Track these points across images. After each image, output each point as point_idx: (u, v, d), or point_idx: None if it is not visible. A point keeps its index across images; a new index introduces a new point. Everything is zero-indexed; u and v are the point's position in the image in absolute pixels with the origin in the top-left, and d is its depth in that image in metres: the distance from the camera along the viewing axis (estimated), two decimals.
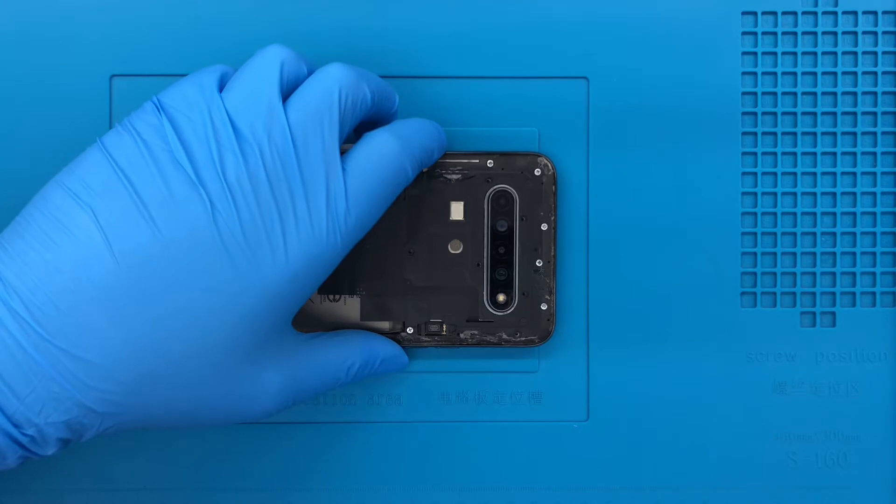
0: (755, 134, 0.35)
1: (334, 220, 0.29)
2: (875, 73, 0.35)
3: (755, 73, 0.35)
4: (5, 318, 0.26)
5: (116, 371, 0.27)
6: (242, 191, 0.27)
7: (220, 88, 0.29)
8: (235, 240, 0.27)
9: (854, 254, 0.36)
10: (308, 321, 0.34)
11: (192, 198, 0.27)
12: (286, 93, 0.29)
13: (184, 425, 0.29)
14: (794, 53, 0.36)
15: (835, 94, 0.36)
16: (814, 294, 0.36)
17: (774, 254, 0.36)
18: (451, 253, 0.34)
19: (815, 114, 0.36)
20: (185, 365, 0.27)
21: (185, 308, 0.27)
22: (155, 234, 0.27)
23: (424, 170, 0.34)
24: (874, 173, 0.36)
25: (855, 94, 0.36)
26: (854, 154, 0.36)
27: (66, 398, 0.26)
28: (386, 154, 0.30)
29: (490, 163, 0.34)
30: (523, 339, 0.35)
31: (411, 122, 0.32)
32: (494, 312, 0.34)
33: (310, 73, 0.30)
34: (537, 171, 0.34)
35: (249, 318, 0.28)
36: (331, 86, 0.29)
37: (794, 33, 0.36)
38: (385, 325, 0.34)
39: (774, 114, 0.35)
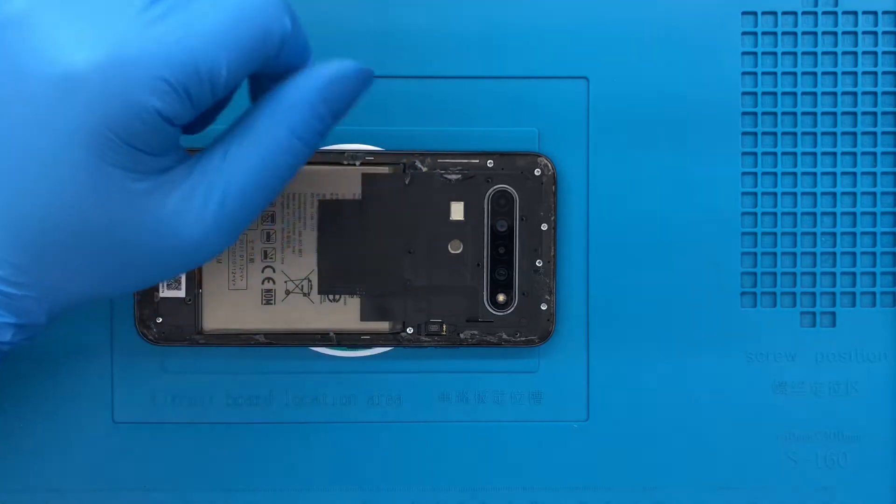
0: (755, 134, 0.35)
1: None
2: (875, 73, 0.35)
3: (755, 73, 0.35)
4: None
5: (12, 236, 0.25)
6: None
7: None
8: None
9: (854, 254, 0.36)
10: (308, 321, 0.34)
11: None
12: None
13: (113, 279, 0.26)
14: (794, 53, 0.36)
15: (835, 94, 0.36)
16: (814, 294, 0.36)
17: (774, 254, 0.36)
18: (451, 253, 0.34)
19: (815, 114, 0.36)
20: (53, 199, 0.24)
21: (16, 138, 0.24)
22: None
23: (424, 169, 0.34)
24: (874, 173, 0.36)
25: (855, 94, 0.36)
26: (854, 154, 0.36)
27: None
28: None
29: (490, 163, 0.34)
30: (523, 339, 0.35)
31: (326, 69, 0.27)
32: (494, 312, 0.34)
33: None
34: (537, 171, 0.34)
35: (97, 98, 0.24)
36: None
37: (794, 33, 0.36)
38: (385, 325, 0.34)
39: (774, 114, 0.35)
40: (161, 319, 0.34)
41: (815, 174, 0.36)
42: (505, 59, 0.35)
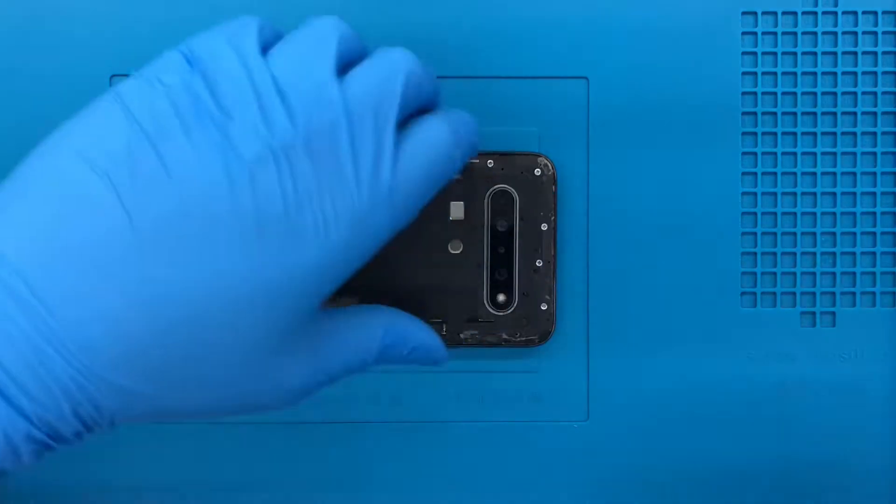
0: (755, 134, 0.35)
1: (380, 206, 0.26)
2: (875, 73, 0.35)
3: (755, 73, 0.35)
4: (8, 305, 0.23)
5: (133, 362, 0.24)
6: (289, 164, 0.25)
7: (262, 44, 0.26)
8: (273, 215, 0.25)
9: (854, 254, 0.36)
10: None
11: (228, 170, 0.24)
12: (341, 69, 0.27)
13: (203, 416, 0.27)
14: (794, 53, 0.36)
15: (835, 94, 0.36)
16: (814, 294, 0.36)
17: (774, 254, 0.36)
18: (451, 253, 0.34)
19: (815, 114, 0.36)
20: (208, 355, 0.25)
21: (212, 292, 0.24)
22: (182, 210, 0.24)
23: None
24: (874, 173, 0.36)
25: (855, 94, 0.36)
26: (854, 154, 0.36)
27: (77, 391, 0.24)
28: (439, 143, 0.28)
29: (490, 163, 0.34)
30: (523, 339, 0.35)
31: (461, 115, 0.30)
32: (494, 312, 0.34)
33: (363, 53, 0.28)
34: (537, 171, 0.34)
35: (283, 303, 0.25)
36: (396, 71, 0.27)
37: (794, 33, 0.36)
38: None
39: (774, 114, 0.35)
40: None
41: (815, 174, 0.36)
42: (505, 59, 0.35)
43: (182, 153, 0.24)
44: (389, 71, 0.27)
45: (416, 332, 0.30)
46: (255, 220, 0.24)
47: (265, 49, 0.26)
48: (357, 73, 0.27)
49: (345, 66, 0.27)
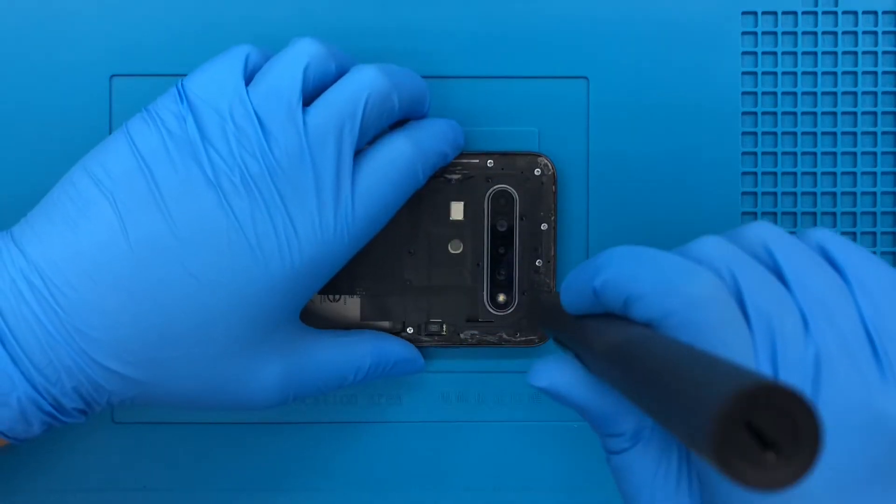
0: (755, 134, 0.35)
1: (342, 223, 0.29)
2: (875, 73, 0.35)
3: (755, 73, 0.35)
4: (27, 294, 0.27)
5: (123, 351, 0.28)
6: (258, 189, 0.28)
7: (247, 74, 0.30)
8: (245, 237, 0.28)
9: None
10: (311, 321, 0.34)
11: (208, 194, 0.28)
12: (311, 91, 0.30)
13: (186, 407, 0.30)
14: (794, 53, 0.36)
15: (835, 94, 0.36)
16: None
17: None
18: (451, 253, 0.34)
19: (815, 114, 0.36)
20: (186, 351, 0.28)
21: (190, 298, 0.28)
22: (169, 226, 0.28)
23: None
24: (874, 173, 0.36)
25: (855, 94, 0.36)
26: (854, 154, 0.36)
27: (78, 372, 0.28)
28: (398, 159, 0.31)
29: (490, 163, 0.34)
30: (523, 339, 0.35)
31: (429, 126, 0.32)
32: (494, 312, 0.34)
33: (339, 70, 0.31)
34: (537, 171, 0.34)
35: (252, 312, 0.29)
36: (358, 93, 0.30)
37: (794, 33, 0.36)
38: (385, 325, 0.34)
39: (774, 114, 0.35)
40: None
41: (815, 174, 0.36)
42: (505, 59, 0.35)
43: (171, 179, 0.28)
44: (351, 95, 0.30)
45: (398, 349, 0.33)
46: (227, 240, 0.28)
47: (252, 76, 0.30)
48: (321, 101, 0.30)
49: (316, 86, 0.30)
